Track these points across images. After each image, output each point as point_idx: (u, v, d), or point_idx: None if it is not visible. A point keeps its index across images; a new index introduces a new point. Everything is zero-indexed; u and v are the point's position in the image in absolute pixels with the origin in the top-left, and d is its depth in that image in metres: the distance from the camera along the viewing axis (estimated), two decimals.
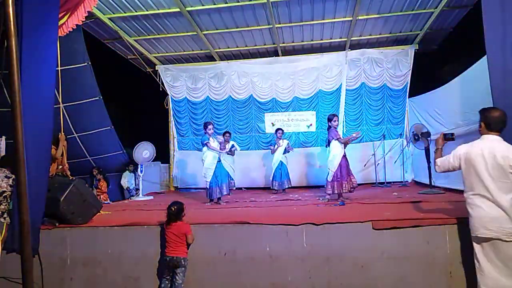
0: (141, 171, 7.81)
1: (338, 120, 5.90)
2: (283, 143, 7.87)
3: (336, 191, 5.66)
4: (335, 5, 6.89)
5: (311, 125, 9.05)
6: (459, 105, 6.12)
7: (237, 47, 8.79)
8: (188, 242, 3.57)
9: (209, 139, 6.04)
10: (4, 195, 3.39)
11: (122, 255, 3.77)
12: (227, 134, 7.66)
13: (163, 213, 3.74)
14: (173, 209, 3.59)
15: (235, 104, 9.51)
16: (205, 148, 6.08)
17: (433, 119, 7.32)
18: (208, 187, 6.05)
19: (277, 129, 7.92)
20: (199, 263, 3.64)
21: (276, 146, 7.79)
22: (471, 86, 5.60)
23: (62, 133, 5.43)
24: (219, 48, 8.86)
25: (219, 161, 6.11)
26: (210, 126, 6.11)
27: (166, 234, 3.56)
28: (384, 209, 4.41)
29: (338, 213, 4.38)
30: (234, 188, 8.05)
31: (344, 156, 5.73)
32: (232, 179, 7.89)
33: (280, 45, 8.64)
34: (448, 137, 3.28)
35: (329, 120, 5.84)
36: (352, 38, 8.40)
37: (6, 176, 3.44)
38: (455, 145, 3.12)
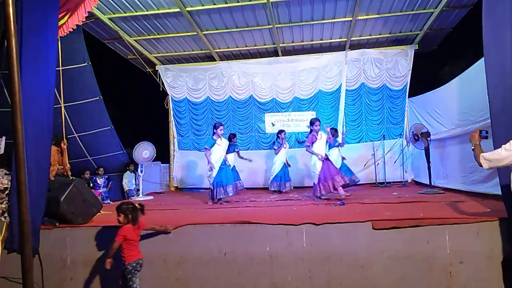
0: (141, 171, 7.82)
1: (320, 125, 5.99)
2: (286, 145, 7.88)
3: (323, 192, 5.75)
4: (335, 5, 6.89)
5: None
6: (458, 105, 6.13)
7: (237, 47, 8.80)
8: (157, 229, 3.66)
9: (215, 142, 6.04)
10: (6, 192, 3.41)
11: None
12: (234, 138, 7.88)
13: (163, 213, 3.73)
14: (138, 205, 3.43)
15: (235, 104, 9.52)
16: (213, 148, 6.05)
17: (433, 119, 7.32)
18: (212, 187, 6.03)
19: (281, 131, 7.83)
20: (199, 263, 3.64)
21: (281, 146, 7.75)
22: (469, 86, 5.61)
23: (64, 139, 5.47)
24: (219, 48, 8.86)
25: (224, 163, 6.14)
26: (221, 127, 6.12)
27: (132, 237, 3.34)
28: (384, 209, 4.41)
29: (338, 213, 4.38)
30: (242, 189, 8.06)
31: (326, 158, 5.87)
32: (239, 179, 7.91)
33: (280, 45, 8.64)
34: (483, 135, 3.13)
35: (311, 123, 5.97)
36: (352, 38, 8.40)
37: (5, 174, 3.46)
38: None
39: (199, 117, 9.67)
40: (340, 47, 8.91)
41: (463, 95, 5.91)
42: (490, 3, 3.37)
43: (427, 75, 9.23)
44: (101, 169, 8.35)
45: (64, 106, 6.03)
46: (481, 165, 3.00)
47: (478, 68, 4.89)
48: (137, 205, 3.42)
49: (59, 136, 5.65)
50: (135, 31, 7.81)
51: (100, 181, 8.33)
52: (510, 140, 2.85)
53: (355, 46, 8.85)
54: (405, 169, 8.49)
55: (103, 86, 7.68)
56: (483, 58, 3.50)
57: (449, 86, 6.62)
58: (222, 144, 6.08)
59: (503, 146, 2.88)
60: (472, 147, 3.12)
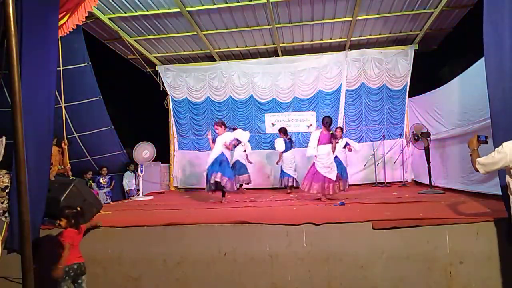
0: (141, 171, 7.82)
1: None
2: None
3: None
4: (335, 5, 6.89)
5: (311, 125, 9.05)
6: (458, 105, 6.13)
7: (237, 47, 8.79)
8: (93, 224, 3.74)
9: None
10: (6, 191, 3.41)
11: (122, 255, 3.77)
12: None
13: (163, 213, 3.73)
14: (79, 209, 3.41)
15: (235, 104, 9.53)
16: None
17: (433, 119, 7.32)
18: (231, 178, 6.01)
19: (285, 129, 7.90)
20: (199, 263, 3.64)
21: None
22: (469, 86, 5.61)
23: (65, 140, 5.48)
24: (219, 48, 8.86)
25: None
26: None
27: (73, 241, 3.28)
28: (384, 209, 4.41)
29: (338, 213, 4.38)
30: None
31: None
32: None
33: (280, 45, 8.64)
34: (482, 140, 3.02)
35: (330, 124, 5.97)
36: (352, 38, 8.40)
37: (6, 173, 3.47)
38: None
39: (199, 117, 9.67)
40: (340, 47, 8.90)
41: (463, 95, 5.91)
42: (490, 3, 3.37)
43: (427, 75, 9.23)
44: (105, 169, 8.37)
45: (64, 106, 6.05)
46: (477, 171, 2.95)
47: (478, 68, 4.89)
48: (78, 209, 3.41)
49: (60, 136, 5.66)
50: (135, 31, 7.81)
51: (104, 181, 8.36)
52: (502, 143, 2.81)
53: (355, 46, 8.85)
54: (405, 169, 8.49)
55: (103, 86, 7.68)
56: (483, 58, 3.50)
57: (449, 86, 6.62)
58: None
59: (496, 149, 2.83)
60: (470, 153, 3.04)
